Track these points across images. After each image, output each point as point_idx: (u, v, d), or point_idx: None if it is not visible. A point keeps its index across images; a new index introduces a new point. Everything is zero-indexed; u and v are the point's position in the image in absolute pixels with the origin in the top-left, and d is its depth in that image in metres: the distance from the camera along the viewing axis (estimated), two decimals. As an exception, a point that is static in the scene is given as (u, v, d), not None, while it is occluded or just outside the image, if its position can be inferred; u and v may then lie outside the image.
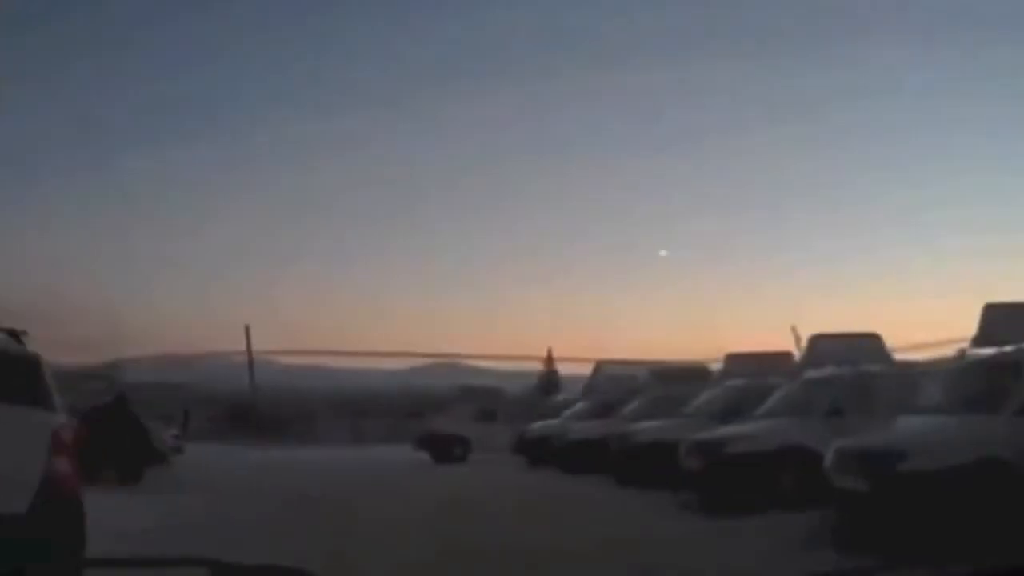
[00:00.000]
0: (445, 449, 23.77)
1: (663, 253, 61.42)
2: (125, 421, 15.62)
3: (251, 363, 43.55)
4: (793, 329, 19.99)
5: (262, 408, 42.62)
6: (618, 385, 20.82)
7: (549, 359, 51.33)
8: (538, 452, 20.00)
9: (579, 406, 21.49)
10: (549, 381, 46.23)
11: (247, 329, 44.39)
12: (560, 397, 27.40)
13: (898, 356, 13.59)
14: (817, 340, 13.09)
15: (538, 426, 21.37)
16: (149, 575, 2.31)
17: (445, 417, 25.31)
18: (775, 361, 15.25)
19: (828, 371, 12.08)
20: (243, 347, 42.05)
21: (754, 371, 14.62)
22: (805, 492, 8.90)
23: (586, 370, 25.42)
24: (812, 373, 12.37)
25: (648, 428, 14.64)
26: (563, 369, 49.12)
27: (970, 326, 9.44)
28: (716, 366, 17.94)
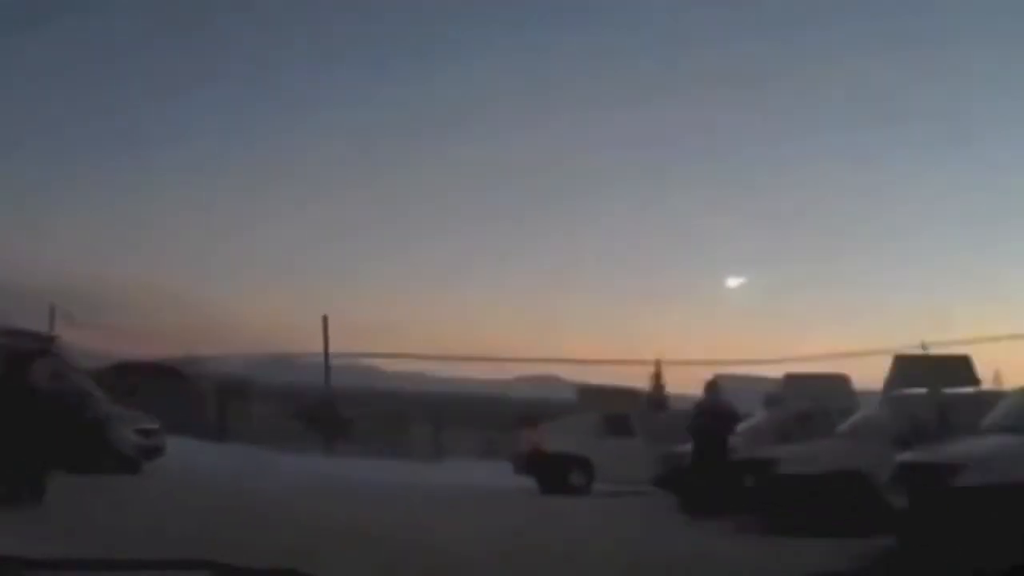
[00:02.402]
0: (557, 474, 16.62)
1: (732, 282, 54.30)
2: (22, 398, 9.16)
3: (327, 359, 37.31)
4: (923, 346, 18.19)
5: (341, 412, 36.18)
6: (800, 393, 15.19)
7: (657, 373, 44.66)
8: (700, 489, 12.62)
9: (754, 421, 14.58)
10: (658, 397, 39.63)
11: (325, 320, 38.27)
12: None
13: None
14: None
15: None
16: None
17: (557, 429, 17.98)
18: None
19: None
20: (335, 348, 36.33)
21: None
22: None
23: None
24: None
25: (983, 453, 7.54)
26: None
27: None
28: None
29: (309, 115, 59.27)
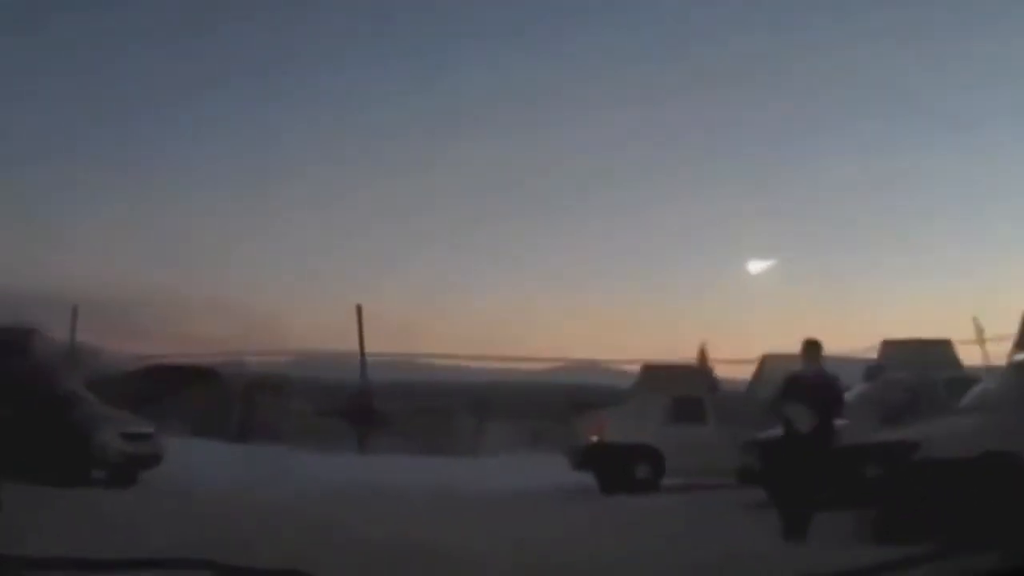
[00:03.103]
0: (620, 469, 14.33)
1: (754, 267, 51.69)
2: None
3: (363, 351, 35.41)
4: (975, 320, 17.93)
5: (378, 405, 34.25)
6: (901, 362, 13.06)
7: (703, 357, 42.02)
8: (803, 483, 10.17)
9: (851, 396, 12.34)
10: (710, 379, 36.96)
11: (359, 310, 36.43)
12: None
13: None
14: None
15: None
16: None
17: (619, 416, 15.58)
18: None
19: None
20: (370, 344, 34.54)
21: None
22: None
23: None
24: None
25: None
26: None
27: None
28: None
29: (341, 111, 57.24)
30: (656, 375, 16.08)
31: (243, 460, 18.19)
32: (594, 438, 14.87)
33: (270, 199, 56.38)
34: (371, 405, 32.73)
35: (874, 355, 15.14)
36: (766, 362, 21.70)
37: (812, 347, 9.16)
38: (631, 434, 14.66)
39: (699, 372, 17.76)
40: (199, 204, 53.64)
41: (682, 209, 60.26)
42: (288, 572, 2.48)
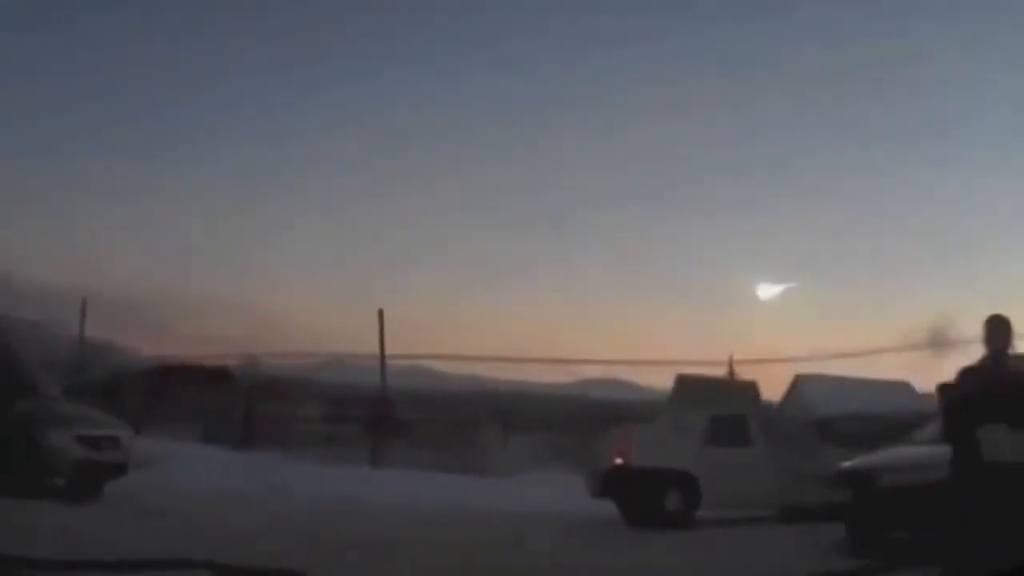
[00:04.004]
0: (647, 497, 12.45)
1: (764, 292, 49.38)
2: None
3: (383, 356, 33.81)
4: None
5: (400, 415, 32.58)
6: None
7: (731, 369, 39.03)
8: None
9: None
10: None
11: (380, 314, 34.85)
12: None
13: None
14: None
15: (911, 455, 9.17)
16: None
17: (648, 435, 13.59)
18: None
19: None
20: (395, 351, 33.02)
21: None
22: None
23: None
24: None
25: None
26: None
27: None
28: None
29: (362, 114, 55.85)
30: (692, 388, 13.93)
31: (238, 470, 16.82)
32: (618, 460, 12.91)
33: (288, 199, 55.33)
34: (391, 413, 31.05)
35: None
36: (799, 382, 20.66)
37: (1000, 324, 6.12)
38: (661, 457, 12.68)
39: (741, 385, 15.47)
40: (217, 203, 52.72)
41: (707, 220, 58.18)
42: (287, 571, 2.18)
